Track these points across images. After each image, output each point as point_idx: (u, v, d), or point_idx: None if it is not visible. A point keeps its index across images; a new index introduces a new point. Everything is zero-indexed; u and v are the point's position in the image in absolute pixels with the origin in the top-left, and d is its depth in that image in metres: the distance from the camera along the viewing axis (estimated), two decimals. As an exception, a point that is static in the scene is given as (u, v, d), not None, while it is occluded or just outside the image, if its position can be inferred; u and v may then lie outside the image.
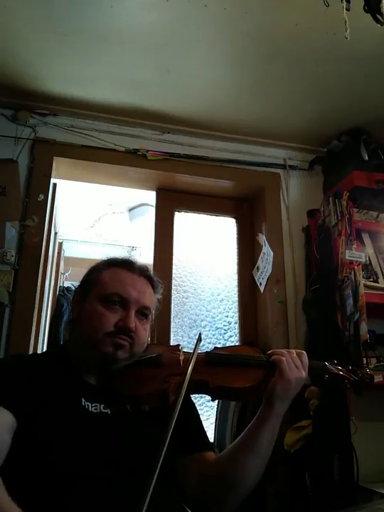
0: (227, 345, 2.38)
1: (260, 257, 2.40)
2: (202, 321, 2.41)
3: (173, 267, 2.42)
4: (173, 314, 2.34)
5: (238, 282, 2.50)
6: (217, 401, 2.08)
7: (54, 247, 2.58)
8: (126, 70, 2.00)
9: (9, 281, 1.98)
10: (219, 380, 1.05)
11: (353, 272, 2.02)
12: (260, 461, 1.03)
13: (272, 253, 2.32)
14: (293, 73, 2.00)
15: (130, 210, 3.44)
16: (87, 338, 1.06)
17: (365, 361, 1.95)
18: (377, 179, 2.21)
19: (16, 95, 2.15)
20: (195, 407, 1.19)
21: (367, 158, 2.23)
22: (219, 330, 2.43)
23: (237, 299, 2.48)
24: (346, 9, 1.21)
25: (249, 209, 2.62)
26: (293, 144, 2.53)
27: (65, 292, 3.22)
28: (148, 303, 1.13)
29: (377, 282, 2.16)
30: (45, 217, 2.13)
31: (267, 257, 2.35)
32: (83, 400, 1.00)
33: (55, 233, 2.59)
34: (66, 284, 3.45)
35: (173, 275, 2.41)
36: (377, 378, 1.75)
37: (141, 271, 1.15)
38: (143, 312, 1.11)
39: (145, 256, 3.44)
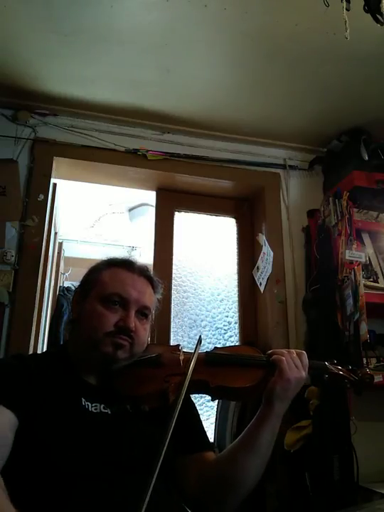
0: (227, 345, 2.38)
1: (260, 257, 2.41)
2: (202, 321, 2.41)
3: (173, 267, 2.42)
4: (173, 314, 2.34)
5: (238, 282, 2.50)
6: (217, 401, 2.08)
7: (54, 247, 2.58)
8: (126, 70, 2.00)
9: (9, 281, 1.98)
10: (219, 379, 1.05)
11: (353, 272, 2.02)
12: (260, 461, 1.03)
13: (272, 253, 2.32)
14: (293, 73, 2.00)
15: (130, 210, 3.44)
16: (87, 338, 1.06)
17: (365, 361, 1.95)
18: (377, 179, 2.21)
19: (16, 95, 2.15)
20: (195, 407, 1.19)
21: (367, 158, 2.23)
22: (219, 330, 2.43)
23: (237, 299, 2.48)
24: (346, 9, 1.21)
25: (249, 209, 2.62)
26: (293, 144, 2.53)
27: (65, 292, 3.22)
28: (148, 303, 1.13)
29: (377, 282, 2.16)
30: (45, 217, 2.13)
31: (267, 257, 2.35)
32: (83, 399, 1.00)
33: (55, 233, 2.59)
34: (66, 284, 3.46)
35: (173, 275, 2.41)
36: (377, 378, 1.75)
37: (141, 271, 1.15)
38: (143, 312, 1.11)
39: (145, 256, 3.44)
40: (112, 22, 1.74)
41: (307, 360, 1.06)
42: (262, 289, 2.36)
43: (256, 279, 2.43)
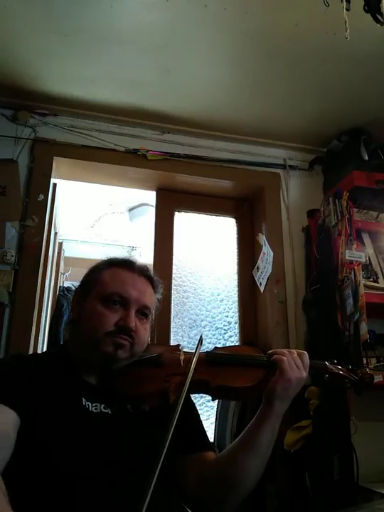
0: (227, 345, 2.38)
1: (260, 257, 2.41)
2: (202, 321, 2.41)
3: (173, 267, 2.42)
4: (173, 314, 2.34)
5: (238, 282, 2.50)
6: (217, 401, 2.08)
7: (54, 247, 2.58)
8: (126, 70, 2.00)
9: (9, 281, 1.98)
10: (219, 379, 1.05)
11: (353, 272, 2.02)
12: (260, 460, 1.03)
13: (272, 253, 2.32)
14: (293, 73, 2.00)
15: (130, 210, 3.44)
16: (87, 337, 1.06)
17: (365, 361, 1.95)
18: (377, 179, 2.21)
19: (16, 95, 2.15)
20: (195, 407, 1.19)
21: (367, 158, 2.23)
22: (219, 330, 2.43)
23: (237, 299, 2.48)
24: (346, 9, 1.21)
25: (249, 209, 2.62)
26: (293, 144, 2.53)
27: (65, 292, 3.22)
28: (149, 302, 1.13)
29: (377, 282, 2.16)
30: (45, 217, 2.13)
31: (267, 257, 2.35)
32: (83, 399, 1.00)
33: (55, 233, 2.59)
34: (66, 284, 3.46)
35: (173, 275, 2.41)
36: (377, 378, 1.75)
37: (141, 271, 1.15)
38: (143, 312, 1.11)
39: (145, 256, 3.44)
40: (112, 22, 1.74)
41: (308, 360, 1.06)
42: (262, 289, 2.36)
43: (256, 279, 2.43)
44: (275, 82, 2.07)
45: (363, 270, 2.07)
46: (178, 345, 1.19)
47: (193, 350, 1.09)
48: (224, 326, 2.44)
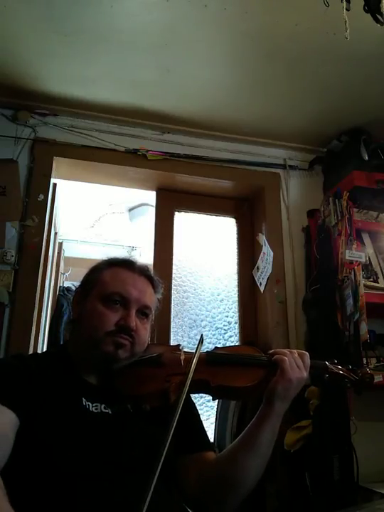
0: (227, 345, 2.38)
1: (260, 257, 2.41)
2: (202, 321, 2.41)
3: (173, 267, 2.42)
4: (173, 314, 2.34)
5: (238, 282, 2.50)
6: (217, 401, 2.08)
7: (54, 247, 2.58)
8: (126, 70, 2.00)
9: (9, 281, 1.98)
10: (220, 379, 1.05)
11: (353, 272, 2.02)
12: (260, 460, 1.03)
13: (272, 253, 2.32)
14: (293, 73, 2.00)
15: (130, 210, 3.44)
16: (87, 337, 1.06)
17: (365, 361, 1.95)
18: (377, 179, 2.21)
19: (16, 95, 2.15)
20: (196, 407, 1.19)
21: (367, 158, 2.23)
22: (219, 330, 2.43)
23: (237, 299, 2.48)
24: (346, 9, 1.21)
25: (249, 209, 2.62)
26: (293, 144, 2.53)
27: (65, 292, 3.22)
28: (149, 302, 1.13)
29: (377, 282, 2.16)
30: (45, 217, 2.13)
31: (267, 257, 2.35)
32: (84, 399, 1.00)
33: (55, 233, 2.59)
34: (66, 284, 3.45)
35: (173, 275, 2.41)
36: (377, 378, 1.75)
37: (141, 270, 1.15)
38: (143, 311, 1.11)
39: (145, 256, 3.44)
40: (112, 22, 1.74)
41: (309, 360, 1.06)
42: (262, 289, 2.36)
43: (256, 279, 2.43)
44: (275, 82, 2.07)
45: (363, 270, 2.07)
46: (179, 345, 1.19)
47: (193, 350, 1.09)
48: (224, 326, 2.44)
